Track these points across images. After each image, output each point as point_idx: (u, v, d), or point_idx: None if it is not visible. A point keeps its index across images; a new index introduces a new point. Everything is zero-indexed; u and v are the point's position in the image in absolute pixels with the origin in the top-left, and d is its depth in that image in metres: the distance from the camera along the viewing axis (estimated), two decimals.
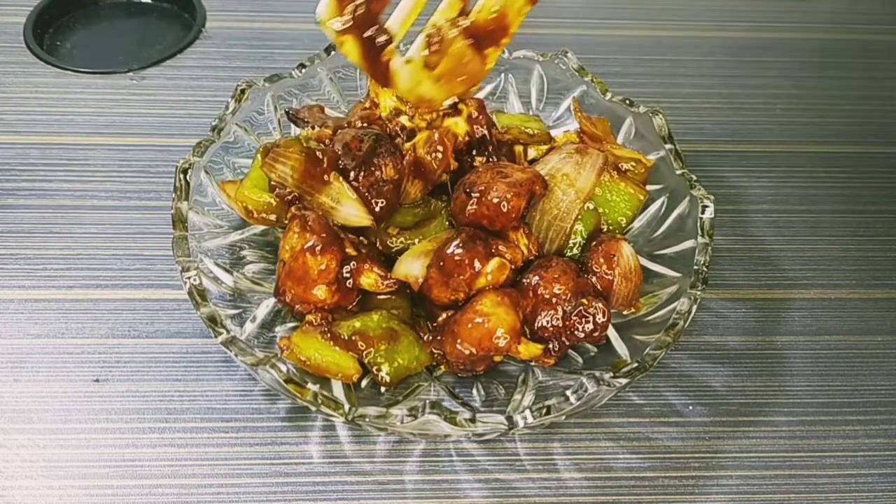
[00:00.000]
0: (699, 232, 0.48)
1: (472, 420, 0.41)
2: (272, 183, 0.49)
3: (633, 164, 0.52)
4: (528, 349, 0.45)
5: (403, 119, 0.53)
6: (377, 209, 0.48)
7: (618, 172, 0.51)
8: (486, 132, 0.52)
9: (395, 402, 0.45)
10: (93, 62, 0.69)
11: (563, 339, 0.46)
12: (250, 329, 0.47)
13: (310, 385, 0.42)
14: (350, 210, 0.48)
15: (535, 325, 0.46)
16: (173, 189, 0.48)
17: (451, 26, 0.46)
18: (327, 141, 0.50)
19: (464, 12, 0.46)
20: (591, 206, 0.50)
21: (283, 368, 0.42)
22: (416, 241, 0.48)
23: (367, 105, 0.55)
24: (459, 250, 0.45)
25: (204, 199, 0.51)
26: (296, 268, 0.46)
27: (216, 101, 0.64)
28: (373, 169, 0.48)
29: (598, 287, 0.48)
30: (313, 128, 0.52)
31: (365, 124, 0.52)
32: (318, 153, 0.48)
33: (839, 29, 0.78)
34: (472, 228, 0.47)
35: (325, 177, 0.48)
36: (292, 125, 0.56)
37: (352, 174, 0.48)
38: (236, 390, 0.49)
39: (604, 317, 0.45)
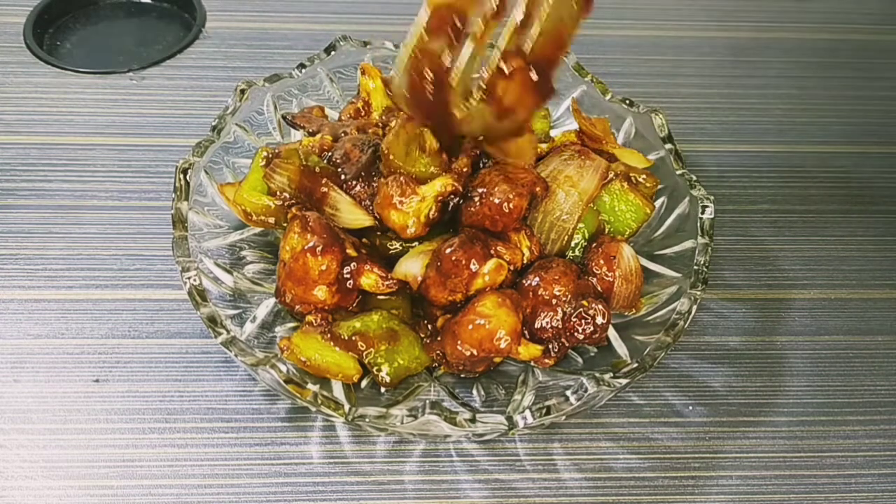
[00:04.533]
0: (699, 232, 0.48)
1: (472, 420, 0.41)
2: (272, 188, 0.49)
3: (643, 177, 0.52)
4: (528, 350, 0.45)
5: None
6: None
7: (628, 183, 0.51)
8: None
9: (395, 403, 0.45)
10: (93, 62, 0.69)
11: (563, 340, 0.46)
12: (250, 329, 0.47)
13: (310, 385, 0.42)
14: (350, 213, 0.48)
15: (535, 326, 0.46)
16: (173, 189, 0.48)
17: (507, 63, 0.43)
18: (327, 150, 0.50)
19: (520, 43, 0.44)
20: (594, 207, 0.50)
21: (283, 369, 0.42)
22: (416, 244, 0.48)
23: (360, 105, 0.55)
24: (457, 251, 0.45)
25: (204, 199, 0.51)
26: (296, 268, 0.45)
27: (216, 101, 0.64)
28: (372, 179, 0.48)
29: (599, 288, 0.48)
30: (311, 133, 0.52)
31: (362, 134, 0.52)
32: (315, 169, 0.48)
33: (839, 29, 0.78)
34: (472, 230, 0.47)
35: (321, 193, 0.48)
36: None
37: (352, 184, 0.48)
38: (236, 390, 0.49)
39: (604, 318, 0.45)
